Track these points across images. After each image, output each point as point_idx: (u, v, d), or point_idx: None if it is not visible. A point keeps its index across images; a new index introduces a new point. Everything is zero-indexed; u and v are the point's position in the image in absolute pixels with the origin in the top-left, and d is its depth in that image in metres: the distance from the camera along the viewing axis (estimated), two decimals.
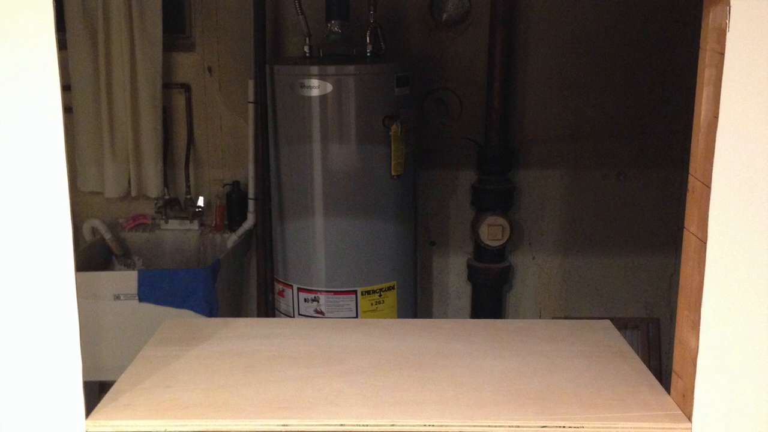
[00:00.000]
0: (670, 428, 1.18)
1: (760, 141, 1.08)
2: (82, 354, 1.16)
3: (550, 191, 3.28)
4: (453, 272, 3.38)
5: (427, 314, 3.39)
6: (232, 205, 3.22)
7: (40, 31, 1.05)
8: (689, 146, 1.18)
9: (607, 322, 1.58)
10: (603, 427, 1.18)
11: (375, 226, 2.80)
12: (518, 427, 1.18)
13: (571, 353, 1.42)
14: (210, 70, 3.22)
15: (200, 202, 3.29)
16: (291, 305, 2.89)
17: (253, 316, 3.14)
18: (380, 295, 2.83)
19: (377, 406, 1.23)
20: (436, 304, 3.42)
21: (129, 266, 3.22)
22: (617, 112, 3.19)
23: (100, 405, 1.24)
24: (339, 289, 2.80)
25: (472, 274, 3.30)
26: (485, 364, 1.38)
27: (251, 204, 3.12)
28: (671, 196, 3.23)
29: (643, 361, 1.41)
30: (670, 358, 1.32)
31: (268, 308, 2.96)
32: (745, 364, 1.15)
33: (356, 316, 2.80)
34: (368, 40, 2.84)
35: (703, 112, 1.14)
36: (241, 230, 3.15)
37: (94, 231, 3.18)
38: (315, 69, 2.68)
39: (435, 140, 3.22)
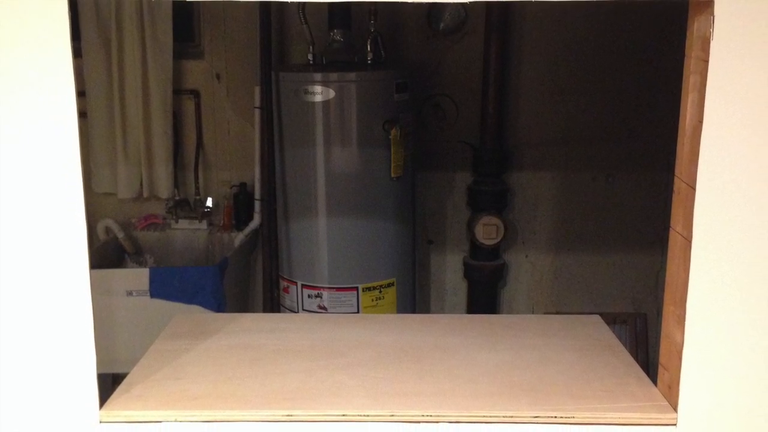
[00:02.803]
0: (657, 418, 1.18)
1: (743, 144, 1.08)
2: (96, 347, 1.16)
3: (542, 192, 3.28)
4: (450, 270, 3.38)
5: (425, 310, 3.39)
6: (239, 205, 3.22)
7: (56, 40, 1.06)
8: (675, 149, 1.18)
9: (597, 317, 1.58)
10: (593, 417, 1.18)
11: (375, 226, 2.80)
12: (512, 417, 1.18)
13: (562, 347, 1.42)
14: (218, 76, 3.22)
15: (209, 202, 3.29)
16: (295, 301, 2.89)
17: (259, 312, 3.14)
18: (380, 292, 2.83)
19: (377, 397, 1.23)
20: (434, 300, 3.42)
21: (141, 264, 3.22)
22: (606, 116, 3.19)
23: (113, 396, 1.24)
24: (341, 286, 2.80)
25: (468, 272, 3.30)
26: (480, 357, 1.37)
27: (257, 204, 3.12)
28: (658, 196, 3.23)
29: (631, 354, 1.41)
30: (656, 351, 1.32)
31: (273, 304, 2.96)
32: (729, 357, 1.15)
33: (357, 312, 2.80)
34: (369, 48, 2.84)
35: (688, 117, 1.14)
36: (247, 229, 3.15)
37: (107, 230, 3.18)
38: (318, 76, 2.68)
39: (433, 143, 3.22)
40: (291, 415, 1.19)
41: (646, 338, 3.36)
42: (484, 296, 3.31)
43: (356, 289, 2.80)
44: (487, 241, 3.17)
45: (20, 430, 1.17)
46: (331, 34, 2.87)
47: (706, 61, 1.07)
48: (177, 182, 3.25)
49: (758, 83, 1.06)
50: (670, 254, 1.20)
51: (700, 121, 1.08)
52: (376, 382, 1.28)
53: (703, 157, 1.09)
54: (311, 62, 2.88)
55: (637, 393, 1.24)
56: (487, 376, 1.30)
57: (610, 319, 3.27)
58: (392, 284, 2.86)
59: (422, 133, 3.16)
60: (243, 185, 3.22)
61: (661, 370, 1.24)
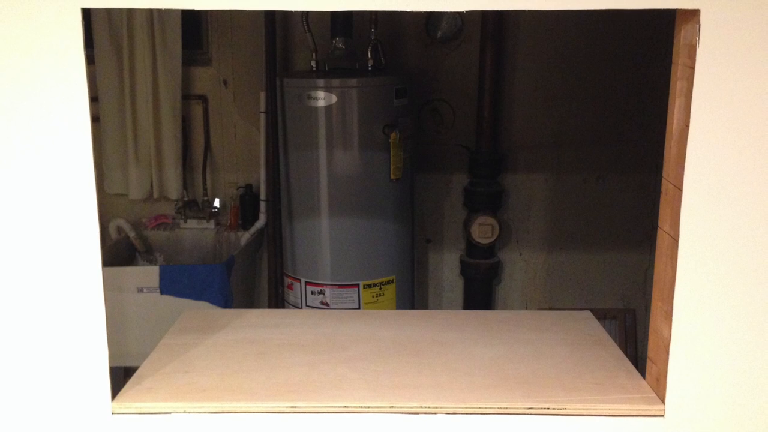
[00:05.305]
0: (645, 410, 1.18)
1: (727, 147, 1.08)
2: (108, 342, 1.16)
3: (535, 193, 3.28)
4: (447, 267, 3.38)
5: (423, 306, 3.39)
6: (245, 206, 3.22)
7: (70, 48, 1.06)
8: (662, 152, 1.18)
9: (588, 313, 1.58)
10: (584, 409, 1.18)
11: (376, 225, 2.80)
12: (506, 408, 1.18)
13: (554, 341, 1.42)
14: (225, 82, 3.22)
15: (216, 203, 3.29)
16: (299, 297, 2.89)
17: (264, 308, 3.14)
18: (380, 288, 2.83)
19: (378, 389, 1.23)
20: (432, 296, 3.42)
21: (151, 262, 3.22)
22: (597, 121, 3.19)
23: (124, 388, 1.24)
24: (343, 283, 2.80)
25: (465, 269, 3.30)
26: (476, 351, 1.37)
27: (263, 205, 3.12)
28: (646, 197, 3.23)
29: (621, 348, 1.41)
30: (645, 345, 1.32)
31: (278, 300, 2.96)
32: (714, 351, 1.15)
33: (358, 308, 2.80)
34: (369, 55, 2.84)
35: (675, 121, 1.14)
36: (253, 229, 3.15)
37: (119, 230, 3.18)
38: (321, 82, 2.68)
39: (430, 147, 3.22)
40: (295, 407, 1.19)
41: (635, 333, 3.36)
42: (480, 293, 3.31)
43: (357, 285, 2.80)
44: (483, 240, 3.17)
45: (36, 421, 1.17)
46: (334, 41, 2.87)
47: (693, 68, 1.07)
48: (186, 184, 3.25)
49: (742, 89, 1.06)
50: (657, 252, 1.20)
51: (687, 125, 1.08)
52: (376, 375, 1.28)
53: (690, 159, 1.09)
54: (314, 69, 2.88)
55: (626, 385, 1.24)
56: (482, 369, 1.30)
57: (601, 315, 3.27)
58: (392, 281, 2.86)
59: (421, 137, 3.16)
60: (249, 186, 3.22)
61: (649, 363, 1.24)
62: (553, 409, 1.18)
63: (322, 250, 2.80)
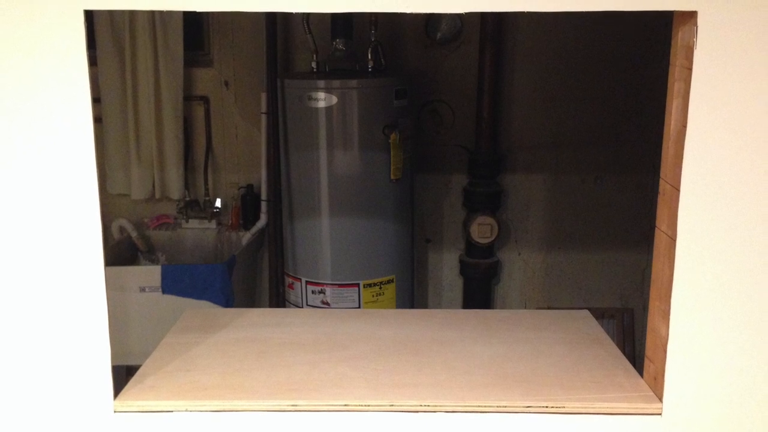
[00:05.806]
0: (643, 408, 1.18)
1: (724, 147, 1.08)
2: (110, 341, 1.16)
3: (534, 193, 3.28)
4: (446, 267, 3.38)
5: (423, 305, 3.39)
6: (247, 206, 3.22)
7: (72, 49, 1.06)
8: (660, 153, 1.18)
9: (586, 312, 1.58)
10: (582, 407, 1.18)
11: (376, 225, 2.80)
12: (505, 407, 1.18)
13: (553, 340, 1.42)
14: (226, 83, 3.22)
15: (218, 203, 3.29)
16: (300, 297, 2.89)
17: (265, 307, 3.14)
18: (380, 288, 2.83)
19: (378, 388, 1.23)
20: (431, 295, 3.42)
21: (153, 261, 3.22)
22: (595, 122, 3.18)
23: (127, 387, 1.24)
24: (343, 282, 2.80)
25: (464, 269, 3.30)
26: (475, 350, 1.37)
27: (264, 205, 3.12)
28: (644, 197, 3.23)
29: (619, 347, 1.41)
30: (642, 344, 1.32)
31: (279, 299, 2.96)
32: (711, 350, 1.15)
33: (359, 307, 2.80)
34: (370, 57, 2.84)
35: (672, 122, 1.14)
36: (254, 229, 3.15)
37: (121, 229, 3.18)
38: (321, 83, 2.68)
39: (430, 147, 3.22)
40: (295, 405, 1.19)
41: (632, 332, 3.36)
42: (479, 292, 3.31)
43: (358, 285, 2.80)
44: (482, 240, 3.17)
45: (38, 420, 1.17)
46: (334, 43, 2.87)
47: (690, 69, 1.07)
48: (187, 184, 3.25)
49: (739, 89, 1.06)
50: (655, 252, 1.20)
51: (684, 126, 1.09)
52: (376, 373, 1.28)
53: (687, 159, 1.09)
54: (315, 70, 2.88)
55: (624, 384, 1.24)
56: (481, 368, 1.30)
57: (599, 314, 3.26)
58: (392, 281, 2.86)
59: (420, 138, 3.16)
60: (250, 187, 3.22)
61: (647, 362, 1.24)
62: (552, 407, 1.18)
63: (322, 249, 2.80)
